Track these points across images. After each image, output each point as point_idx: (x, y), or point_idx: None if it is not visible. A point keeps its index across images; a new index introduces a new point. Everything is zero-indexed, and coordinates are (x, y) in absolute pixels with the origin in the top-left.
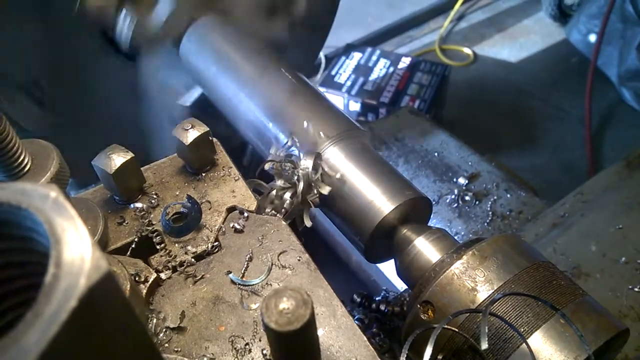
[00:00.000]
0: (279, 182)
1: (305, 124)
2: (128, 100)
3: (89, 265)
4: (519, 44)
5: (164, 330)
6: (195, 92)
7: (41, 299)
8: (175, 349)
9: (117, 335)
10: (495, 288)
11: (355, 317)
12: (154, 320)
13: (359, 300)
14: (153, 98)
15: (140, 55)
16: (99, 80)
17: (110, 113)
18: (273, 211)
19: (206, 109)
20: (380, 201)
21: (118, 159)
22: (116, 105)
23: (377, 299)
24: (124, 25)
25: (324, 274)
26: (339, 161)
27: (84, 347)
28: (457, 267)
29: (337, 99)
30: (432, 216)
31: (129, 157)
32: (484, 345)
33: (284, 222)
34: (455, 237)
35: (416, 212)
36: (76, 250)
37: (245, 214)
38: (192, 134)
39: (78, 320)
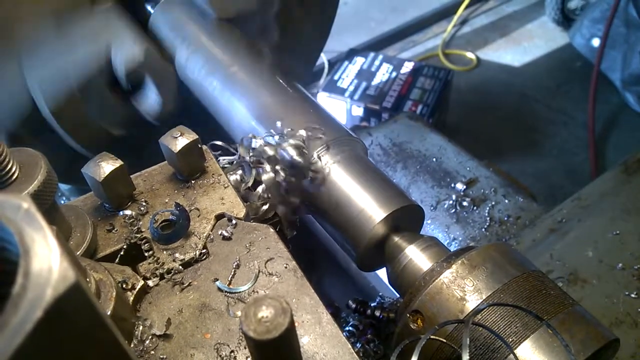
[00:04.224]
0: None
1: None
2: None
3: (56, 276)
4: (522, 49)
5: (150, 337)
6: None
7: (8, 309)
8: (161, 357)
9: (87, 346)
10: (484, 297)
11: (350, 323)
12: (140, 328)
13: (354, 306)
14: (97, 40)
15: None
16: None
17: None
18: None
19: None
20: (371, 209)
21: (107, 166)
22: None
23: (372, 305)
24: None
25: (321, 280)
26: (331, 168)
27: (51, 358)
28: (447, 276)
29: (339, 104)
30: (430, 222)
31: (118, 165)
32: (465, 357)
33: (271, 230)
34: (453, 243)
35: (408, 220)
36: (44, 261)
37: (234, 222)
38: (180, 141)
39: (44, 331)
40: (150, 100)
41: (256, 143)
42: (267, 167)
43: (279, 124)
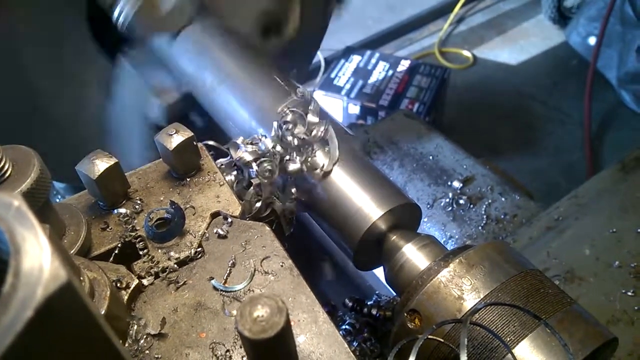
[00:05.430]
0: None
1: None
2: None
3: (47, 275)
4: (518, 47)
5: (145, 336)
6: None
7: None
8: (156, 356)
9: (80, 345)
10: (481, 297)
11: (347, 322)
12: (135, 327)
13: (350, 305)
14: (128, 97)
15: (129, 44)
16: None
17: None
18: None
19: (184, 112)
20: (368, 207)
21: (101, 164)
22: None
23: (368, 303)
24: (127, 1)
25: (317, 278)
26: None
27: (43, 358)
28: (444, 275)
29: (336, 102)
30: (426, 220)
31: (112, 163)
32: (463, 357)
33: (267, 228)
34: (450, 241)
35: (405, 218)
36: (35, 259)
37: (229, 220)
38: (176, 139)
39: (35, 331)
40: (197, 123)
41: (246, 147)
42: (258, 167)
43: (275, 124)
